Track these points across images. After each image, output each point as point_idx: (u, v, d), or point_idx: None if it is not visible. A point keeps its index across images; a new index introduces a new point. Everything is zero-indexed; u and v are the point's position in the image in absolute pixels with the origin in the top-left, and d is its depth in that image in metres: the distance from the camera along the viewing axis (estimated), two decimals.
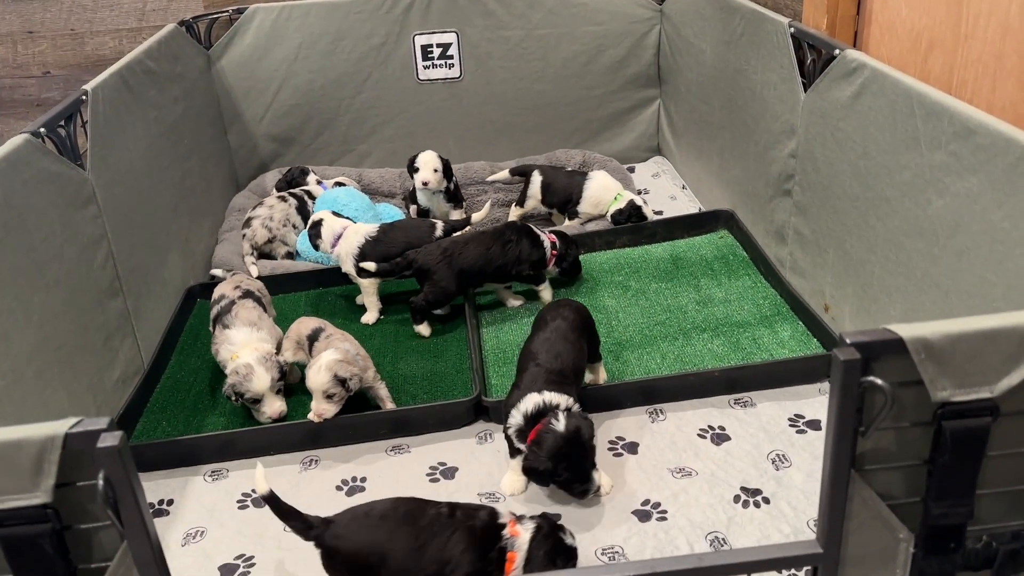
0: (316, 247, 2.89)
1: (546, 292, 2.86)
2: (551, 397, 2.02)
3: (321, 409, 2.26)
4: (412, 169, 3.29)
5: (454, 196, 3.40)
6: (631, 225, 3.20)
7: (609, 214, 3.27)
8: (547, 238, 2.81)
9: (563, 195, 3.34)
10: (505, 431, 2.11)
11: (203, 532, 2.09)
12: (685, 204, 3.55)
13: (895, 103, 1.99)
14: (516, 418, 2.03)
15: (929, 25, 2.16)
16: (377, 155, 3.86)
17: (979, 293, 1.72)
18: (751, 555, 1.09)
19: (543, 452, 1.94)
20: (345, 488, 2.20)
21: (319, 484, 2.22)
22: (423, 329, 2.75)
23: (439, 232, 2.84)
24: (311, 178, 3.52)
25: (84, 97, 2.42)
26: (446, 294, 2.72)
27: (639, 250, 3.13)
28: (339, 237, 2.81)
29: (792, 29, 2.52)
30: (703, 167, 3.46)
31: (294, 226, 3.30)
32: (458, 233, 2.88)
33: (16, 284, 1.95)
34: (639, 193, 3.62)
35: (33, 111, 3.73)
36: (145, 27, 3.64)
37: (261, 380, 2.32)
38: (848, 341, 1.00)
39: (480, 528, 1.70)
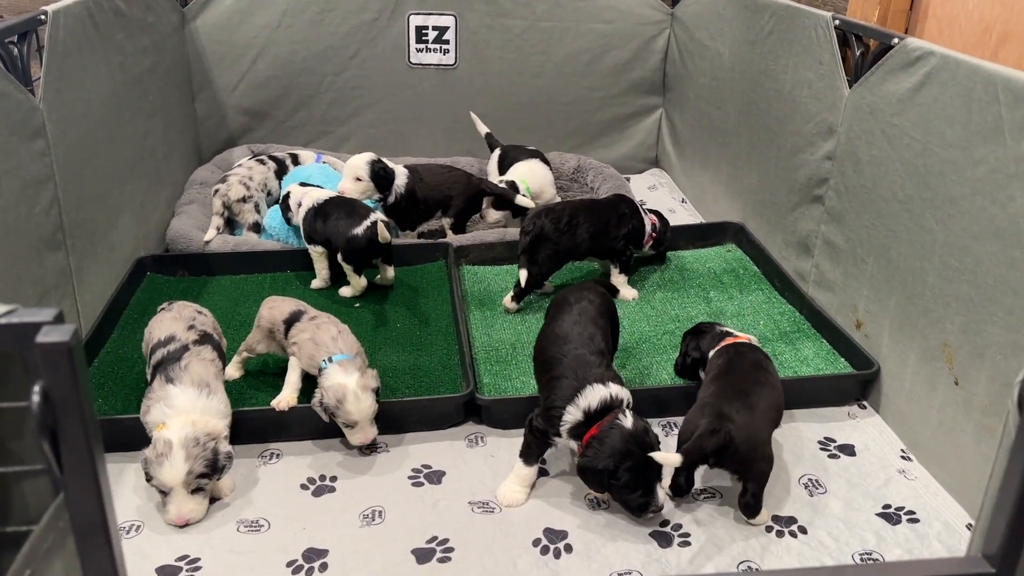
0: (288, 220, 2.78)
1: (627, 290, 2.63)
2: (617, 391, 1.74)
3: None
4: None
5: (396, 212, 2.86)
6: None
7: None
8: (648, 218, 2.69)
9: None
10: (532, 427, 1.81)
11: (139, 527, 1.76)
12: (685, 218, 3.32)
13: (971, 91, 1.78)
14: (573, 413, 1.72)
15: (1003, 16, 1.97)
16: (357, 139, 3.56)
17: None
18: (903, 571, 0.82)
19: (605, 449, 1.67)
20: (312, 487, 1.89)
21: (281, 482, 1.91)
22: (514, 305, 2.55)
23: (368, 223, 2.50)
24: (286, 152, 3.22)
25: (43, 18, 2.10)
26: (557, 263, 2.55)
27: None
28: (299, 204, 2.70)
29: (837, 22, 2.32)
30: (709, 178, 3.25)
31: (269, 192, 3.01)
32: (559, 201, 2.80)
33: None
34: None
35: None
36: None
37: (175, 469, 1.70)
38: None
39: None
